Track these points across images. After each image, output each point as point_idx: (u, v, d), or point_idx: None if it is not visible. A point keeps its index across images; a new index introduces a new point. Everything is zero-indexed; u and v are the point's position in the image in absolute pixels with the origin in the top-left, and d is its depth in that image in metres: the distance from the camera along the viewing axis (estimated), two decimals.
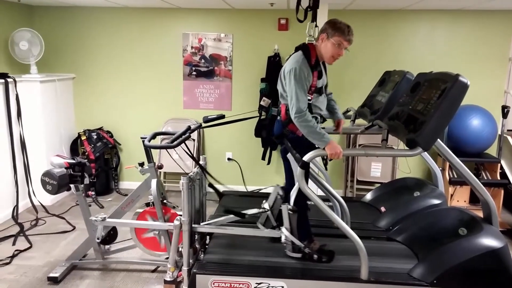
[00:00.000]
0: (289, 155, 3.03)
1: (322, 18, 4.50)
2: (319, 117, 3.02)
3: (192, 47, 5.43)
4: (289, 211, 2.99)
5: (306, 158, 2.69)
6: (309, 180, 3.07)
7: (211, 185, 3.40)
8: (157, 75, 5.53)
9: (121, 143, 5.69)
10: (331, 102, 3.27)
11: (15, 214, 4.60)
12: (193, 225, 3.12)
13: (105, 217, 3.41)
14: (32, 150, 4.92)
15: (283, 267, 2.98)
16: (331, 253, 3.05)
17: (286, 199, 3.15)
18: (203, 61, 5.45)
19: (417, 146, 2.58)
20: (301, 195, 2.96)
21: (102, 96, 5.62)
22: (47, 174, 3.21)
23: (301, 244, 3.02)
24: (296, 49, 2.97)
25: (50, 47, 5.37)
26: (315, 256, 3.01)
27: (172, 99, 5.58)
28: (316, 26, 3.40)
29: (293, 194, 3.03)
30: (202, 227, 3.20)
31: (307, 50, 2.88)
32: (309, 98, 2.85)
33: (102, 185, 5.49)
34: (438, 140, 2.86)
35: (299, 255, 3.05)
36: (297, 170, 2.76)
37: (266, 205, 3.18)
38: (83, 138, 5.33)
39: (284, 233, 3.02)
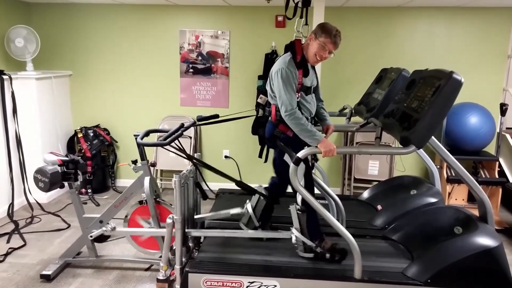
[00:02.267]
0: (285, 157, 3.00)
1: (319, 15, 4.46)
2: (309, 118, 2.99)
3: (189, 44, 5.40)
4: (298, 211, 2.97)
5: (300, 154, 2.68)
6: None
7: (198, 185, 3.37)
8: (154, 72, 5.50)
9: (118, 140, 5.67)
10: (321, 110, 3.25)
11: (10, 211, 4.58)
12: (186, 230, 3.11)
13: (115, 227, 3.42)
14: (28, 147, 4.90)
15: (276, 266, 2.96)
16: (343, 251, 3.02)
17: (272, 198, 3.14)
18: (200, 58, 5.43)
19: (410, 143, 2.55)
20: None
21: (99, 93, 5.60)
22: (39, 171, 3.19)
23: (312, 244, 2.99)
24: (286, 47, 2.99)
25: (46, 44, 5.35)
26: (328, 255, 2.99)
27: (169, 96, 5.55)
28: (306, 24, 3.39)
29: (299, 194, 2.99)
30: (192, 231, 3.18)
31: (293, 48, 2.91)
32: (297, 96, 2.85)
33: (99, 182, 5.47)
34: (433, 138, 2.83)
35: (311, 255, 3.02)
36: (300, 168, 2.79)
37: (249, 206, 3.20)
38: (80, 135, 5.32)
39: (295, 234, 2.99)
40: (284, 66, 2.79)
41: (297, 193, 2.97)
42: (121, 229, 3.47)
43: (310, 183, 3.05)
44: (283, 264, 2.99)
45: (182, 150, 3.06)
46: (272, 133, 3.00)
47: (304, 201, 2.93)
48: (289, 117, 2.75)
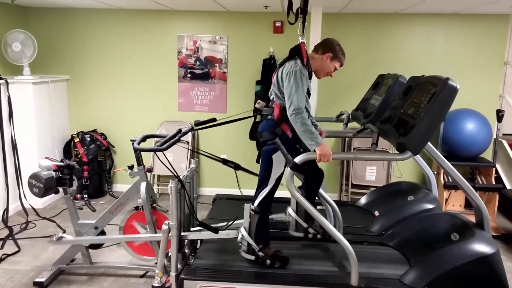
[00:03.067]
0: (274, 156, 2.97)
1: (317, 21, 4.48)
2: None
3: (187, 49, 5.40)
4: (251, 211, 2.98)
5: (297, 160, 2.67)
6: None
7: (202, 224, 3.24)
8: (152, 77, 5.50)
9: (115, 145, 5.65)
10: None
11: (4, 217, 4.55)
12: (182, 233, 3.09)
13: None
14: (24, 152, 4.88)
15: (272, 273, 2.93)
16: (285, 259, 3.03)
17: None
18: (198, 63, 5.42)
19: (406, 150, 2.54)
20: (268, 198, 2.97)
21: (96, 98, 5.59)
22: (34, 176, 3.17)
23: (256, 246, 2.99)
24: (291, 51, 3.00)
25: (44, 49, 5.35)
26: (268, 261, 2.98)
27: (167, 101, 5.54)
28: (303, 33, 3.41)
29: (261, 195, 2.98)
30: (189, 234, 3.16)
31: (299, 52, 2.95)
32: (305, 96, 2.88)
33: (95, 187, 5.45)
34: (430, 144, 2.83)
35: (252, 257, 3.02)
36: (279, 172, 2.90)
37: (290, 210, 3.35)
38: (76, 140, 5.30)
39: (242, 232, 3.00)
40: (297, 68, 2.83)
41: (260, 193, 2.97)
42: (116, 235, 3.45)
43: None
44: (280, 271, 2.96)
45: (210, 154, 3.21)
46: (271, 129, 2.97)
47: (261, 203, 2.95)
48: (295, 115, 2.74)
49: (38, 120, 4.98)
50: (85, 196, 5.22)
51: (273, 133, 2.96)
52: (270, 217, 3.24)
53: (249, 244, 2.99)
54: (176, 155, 5.32)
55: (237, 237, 3.06)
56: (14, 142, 4.76)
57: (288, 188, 2.73)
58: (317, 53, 3.04)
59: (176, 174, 3.10)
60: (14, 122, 4.75)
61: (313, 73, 3.05)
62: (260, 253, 2.98)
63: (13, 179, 4.77)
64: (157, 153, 2.98)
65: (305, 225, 3.33)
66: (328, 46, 3.03)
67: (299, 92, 2.78)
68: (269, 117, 3.04)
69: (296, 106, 2.75)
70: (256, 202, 2.99)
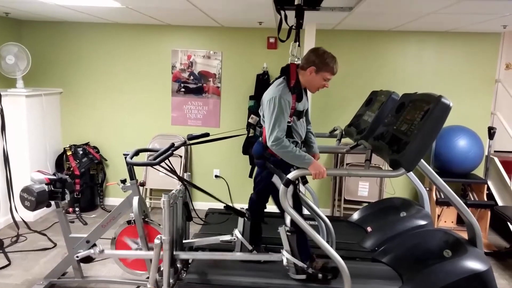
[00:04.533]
0: (274, 179, 2.99)
1: (310, 38, 4.53)
2: (299, 142, 3.00)
3: (181, 64, 5.42)
4: (287, 233, 2.92)
5: (290, 176, 2.67)
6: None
7: (186, 205, 3.29)
8: (146, 91, 5.51)
9: (108, 159, 5.63)
10: (308, 134, 3.22)
11: None
12: (174, 252, 3.07)
13: (103, 250, 3.38)
14: (16, 165, 4.85)
15: None
16: (335, 270, 2.96)
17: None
18: (192, 77, 5.45)
19: (400, 166, 2.55)
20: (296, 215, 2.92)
21: (89, 111, 5.58)
22: (25, 190, 3.15)
23: (303, 265, 2.95)
24: (281, 70, 2.98)
25: (38, 62, 5.35)
26: (320, 275, 2.95)
27: (160, 115, 5.55)
28: (298, 45, 3.41)
29: (288, 215, 2.95)
30: (181, 254, 3.15)
31: (288, 73, 2.90)
32: (289, 120, 2.84)
33: (87, 201, 5.41)
34: (422, 161, 2.85)
35: (303, 277, 2.97)
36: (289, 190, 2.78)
37: (237, 232, 3.14)
38: (69, 153, 5.27)
39: (286, 256, 2.92)
40: (277, 94, 2.76)
41: (285, 213, 2.95)
42: (109, 251, 3.41)
43: (297, 204, 3.03)
44: (273, 286, 2.95)
45: (172, 170, 3.04)
46: (261, 153, 2.99)
47: (292, 222, 2.90)
48: (276, 146, 2.73)
49: (31, 133, 4.96)
50: (77, 209, 5.18)
51: (263, 156, 2.97)
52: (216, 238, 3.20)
53: (296, 265, 2.94)
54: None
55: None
56: (6, 155, 4.72)
57: (282, 205, 2.72)
58: (302, 69, 2.92)
59: (179, 177, 3.10)
60: (6, 134, 4.73)
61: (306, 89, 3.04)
62: (310, 270, 2.95)
63: (4, 192, 4.72)
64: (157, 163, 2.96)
65: (250, 247, 3.11)
66: (309, 60, 2.88)
67: (279, 121, 2.73)
68: (260, 139, 3.05)
69: (275, 137, 2.72)
70: (287, 221, 2.95)
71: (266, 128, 2.82)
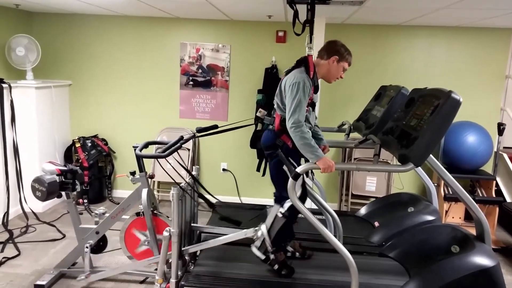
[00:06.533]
0: (285, 167, 2.99)
1: (320, 32, 4.51)
2: (310, 132, 3.00)
3: (189, 57, 5.43)
4: (280, 213, 2.95)
5: (299, 169, 2.67)
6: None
7: (201, 196, 3.34)
8: (154, 84, 5.52)
9: (116, 151, 5.66)
10: (315, 128, 3.23)
11: (5, 220, 4.54)
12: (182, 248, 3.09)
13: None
14: (25, 156, 4.89)
15: (273, 282, 2.94)
16: (291, 269, 3.02)
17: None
18: (200, 71, 5.45)
19: (409, 161, 2.55)
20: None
21: (98, 103, 5.61)
22: (37, 180, 3.18)
23: (271, 248, 2.97)
24: (297, 62, 2.98)
25: (47, 54, 5.37)
26: (276, 266, 2.99)
27: (169, 108, 5.56)
28: (311, 41, 3.40)
29: (288, 201, 2.95)
30: (190, 247, 3.16)
31: (307, 64, 2.93)
32: (305, 109, 2.85)
33: (95, 193, 5.45)
34: (431, 156, 2.84)
35: (262, 256, 3.01)
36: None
37: (263, 227, 3.04)
38: (78, 145, 5.31)
39: (261, 229, 2.98)
40: (302, 79, 2.80)
41: (289, 199, 2.95)
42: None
43: (303, 195, 3.04)
44: (281, 279, 2.96)
45: (182, 164, 3.05)
46: (273, 142, 2.99)
47: (290, 208, 2.92)
48: (295, 129, 2.74)
49: (40, 125, 5.00)
50: (85, 201, 5.22)
51: (274, 144, 2.97)
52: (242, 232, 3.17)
53: (263, 242, 2.97)
54: (176, 162, 5.31)
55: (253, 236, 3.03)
56: (16, 146, 4.77)
57: (290, 198, 2.73)
58: (322, 59, 2.99)
59: (188, 170, 3.13)
60: (16, 126, 4.77)
61: (319, 82, 3.05)
62: (272, 256, 2.98)
63: (14, 183, 4.77)
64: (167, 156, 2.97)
65: (270, 248, 3.01)
66: (332, 49, 2.98)
67: (301, 105, 2.76)
68: (270, 127, 3.05)
69: (296, 119, 2.73)
70: (286, 206, 2.96)
71: (286, 111, 2.82)
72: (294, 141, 2.80)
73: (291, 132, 2.77)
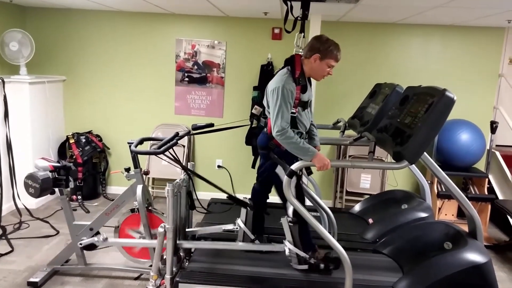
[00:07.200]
0: (277, 170, 3.01)
1: (315, 29, 4.52)
2: (304, 133, 3.01)
3: (185, 53, 5.42)
4: (290, 223, 2.95)
5: (294, 167, 2.68)
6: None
7: (231, 197, 3.18)
8: (149, 80, 5.51)
9: (110, 147, 5.64)
10: (311, 126, 3.22)
11: None
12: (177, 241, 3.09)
13: (106, 238, 3.40)
14: (19, 152, 4.86)
15: (267, 278, 2.95)
16: (336, 260, 3.00)
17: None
18: (196, 67, 5.44)
19: (403, 159, 2.57)
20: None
21: (93, 99, 5.58)
22: (30, 176, 3.17)
23: (306, 255, 2.98)
24: (285, 62, 2.98)
25: (41, 49, 5.34)
26: (322, 265, 2.98)
27: (164, 104, 5.55)
28: (303, 37, 3.40)
29: (291, 205, 2.97)
30: (184, 243, 3.17)
31: (292, 63, 2.90)
32: (293, 111, 2.84)
33: (89, 189, 5.43)
34: (425, 153, 2.86)
35: (305, 267, 3.00)
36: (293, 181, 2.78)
37: (239, 221, 3.13)
38: (72, 141, 5.28)
39: (288, 246, 2.96)
40: (281, 84, 2.76)
41: (287, 204, 2.97)
42: (112, 240, 3.44)
43: (300, 194, 3.05)
44: (275, 276, 2.98)
45: (176, 159, 3.05)
46: (266, 144, 3.01)
47: (295, 212, 2.92)
48: (280, 137, 2.74)
49: (34, 120, 4.97)
50: (79, 197, 5.21)
51: (267, 147, 2.98)
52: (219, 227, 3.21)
53: (298, 255, 2.97)
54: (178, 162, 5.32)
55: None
56: (9, 142, 4.74)
57: (286, 196, 2.73)
58: (306, 57, 2.92)
59: (183, 166, 3.12)
60: (10, 121, 4.74)
61: (312, 80, 3.05)
62: (312, 260, 2.98)
63: (7, 179, 4.74)
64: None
65: (252, 236, 3.11)
66: (313, 47, 2.88)
67: (282, 111, 2.74)
68: (265, 129, 3.06)
69: (279, 127, 2.72)
70: (290, 212, 2.98)
71: (270, 118, 2.83)
72: (285, 147, 2.81)
73: (278, 140, 2.77)
